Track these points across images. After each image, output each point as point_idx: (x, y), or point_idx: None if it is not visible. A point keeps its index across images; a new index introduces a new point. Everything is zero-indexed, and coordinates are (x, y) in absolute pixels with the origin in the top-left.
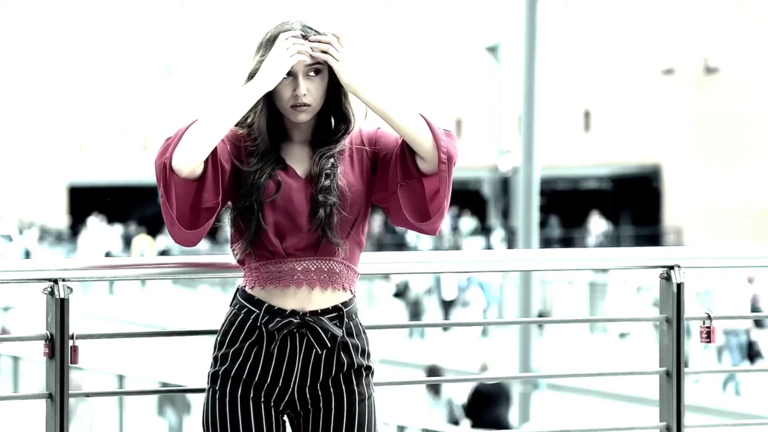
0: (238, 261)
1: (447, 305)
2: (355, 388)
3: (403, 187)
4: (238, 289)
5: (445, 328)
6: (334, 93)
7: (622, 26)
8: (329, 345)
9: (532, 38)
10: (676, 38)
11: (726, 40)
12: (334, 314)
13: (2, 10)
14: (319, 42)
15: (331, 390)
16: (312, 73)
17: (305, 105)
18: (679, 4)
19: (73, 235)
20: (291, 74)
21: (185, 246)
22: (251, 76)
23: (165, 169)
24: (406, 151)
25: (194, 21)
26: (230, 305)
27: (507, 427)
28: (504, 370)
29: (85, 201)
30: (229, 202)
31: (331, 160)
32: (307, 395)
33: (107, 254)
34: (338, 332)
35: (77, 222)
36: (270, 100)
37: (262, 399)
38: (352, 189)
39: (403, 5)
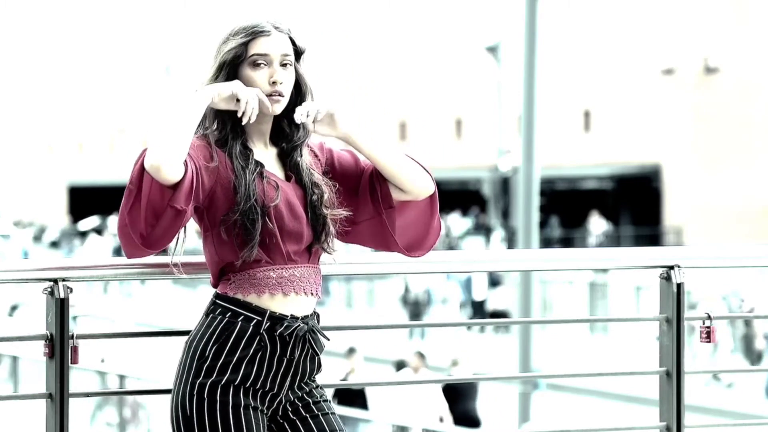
0: (223, 268)
1: (477, 306)
2: (320, 385)
3: (383, 216)
4: (219, 296)
5: (469, 327)
6: (298, 97)
7: (622, 26)
8: (323, 348)
9: (532, 38)
10: (676, 38)
11: (726, 40)
12: (315, 317)
13: (2, 10)
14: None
15: (306, 389)
16: (284, 65)
17: (281, 94)
18: (679, 4)
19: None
20: (266, 62)
21: (135, 255)
22: (221, 66)
23: (142, 171)
24: (380, 183)
25: (194, 21)
26: (213, 313)
27: (476, 420)
28: (475, 364)
29: (85, 201)
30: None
31: (315, 171)
32: (291, 397)
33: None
34: (329, 337)
35: (77, 222)
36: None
37: (261, 408)
38: None
39: (403, 5)
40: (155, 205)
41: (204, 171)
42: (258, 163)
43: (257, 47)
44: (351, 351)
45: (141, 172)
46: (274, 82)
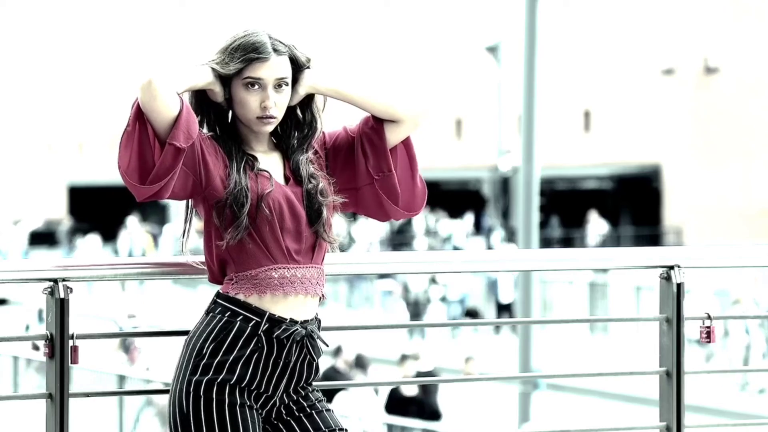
0: (225, 267)
1: (503, 308)
2: (317, 388)
3: (380, 181)
4: (220, 296)
5: (497, 328)
6: (304, 101)
7: (622, 26)
8: (321, 353)
9: (532, 38)
10: (676, 38)
11: (726, 40)
12: (316, 323)
13: (2, 10)
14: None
15: (303, 393)
16: (279, 86)
17: (272, 117)
18: (679, 4)
19: (72, 236)
20: (260, 85)
21: (142, 189)
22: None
23: (138, 112)
24: (372, 138)
25: (194, 21)
26: (213, 312)
27: (438, 412)
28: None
29: (85, 201)
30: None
31: (313, 165)
32: (286, 400)
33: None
34: (327, 342)
35: (77, 222)
36: (214, 106)
37: (256, 407)
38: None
39: (403, 5)
40: (151, 144)
41: (205, 148)
42: (245, 153)
43: (252, 71)
44: (404, 358)
45: (138, 113)
46: (265, 107)
